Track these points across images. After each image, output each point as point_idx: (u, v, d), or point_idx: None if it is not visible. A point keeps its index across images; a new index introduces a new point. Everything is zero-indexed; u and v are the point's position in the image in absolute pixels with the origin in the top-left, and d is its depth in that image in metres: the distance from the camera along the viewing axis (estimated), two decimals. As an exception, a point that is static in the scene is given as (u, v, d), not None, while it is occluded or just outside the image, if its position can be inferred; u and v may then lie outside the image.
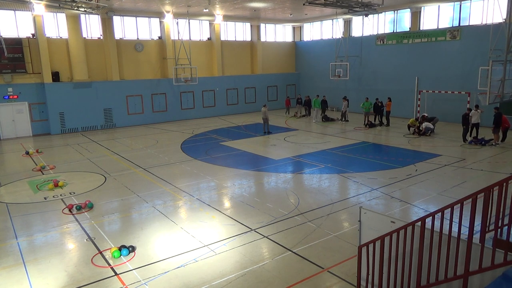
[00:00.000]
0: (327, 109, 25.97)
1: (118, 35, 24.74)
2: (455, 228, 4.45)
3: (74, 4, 17.71)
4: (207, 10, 24.73)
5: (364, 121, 22.50)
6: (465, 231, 4.49)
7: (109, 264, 7.37)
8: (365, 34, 27.85)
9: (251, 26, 30.70)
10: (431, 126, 19.31)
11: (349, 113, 25.79)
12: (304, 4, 19.84)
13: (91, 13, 20.86)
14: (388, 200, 10.58)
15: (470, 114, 17.34)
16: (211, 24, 28.43)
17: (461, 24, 22.54)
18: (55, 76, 22.56)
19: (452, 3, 22.70)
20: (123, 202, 10.96)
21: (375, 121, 22.78)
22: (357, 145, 17.81)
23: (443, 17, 23.52)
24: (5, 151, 18.74)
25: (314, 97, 25.51)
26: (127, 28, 25.31)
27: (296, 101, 27.87)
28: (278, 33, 32.85)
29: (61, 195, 11.66)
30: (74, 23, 22.48)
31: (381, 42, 26.34)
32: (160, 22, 26.09)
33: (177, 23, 26.25)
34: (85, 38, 23.40)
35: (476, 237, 4.28)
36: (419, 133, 19.24)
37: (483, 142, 16.76)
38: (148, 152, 17.26)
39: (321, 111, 25.05)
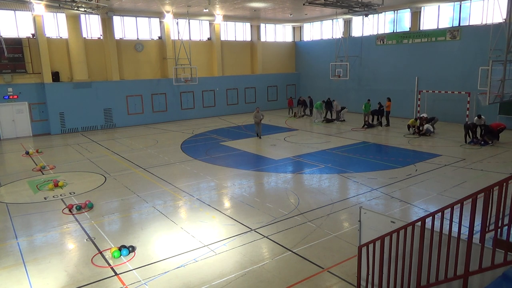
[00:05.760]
0: (332, 110, 25.76)
1: (118, 35, 24.74)
2: (455, 228, 4.45)
3: (74, 4, 17.71)
4: (207, 10, 24.72)
5: (364, 122, 22.48)
6: (465, 231, 4.49)
7: (109, 264, 7.37)
8: (365, 34, 27.84)
9: (251, 26, 30.70)
10: (431, 129, 19.33)
11: (349, 113, 25.89)
12: (304, 4, 19.82)
13: (91, 13, 20.86)
14: (388, 200, 10.58)
15: (475, 122, 17.32)
16: (211, 24, 28.43)
17: (461, 24, 22.53)
18: (55, 76, 22.56)
19: (452, 3, 22.69)
20: (123, 202, 10.96)
21: (373, 121, 22.75)
22: (357, 145, 17.81)
23: (443, 17, 23.52)
24: (5, 151, 18.74)
25: (317, 100, 25.57)
26: (127, 28, 25.31)
27: (298, 101, 27.83)
28: (278, 33, 32.85)
29: (61, 195, 11.66)
30: (74, 23, 22.48)
31: (381, 42, 26.34)
32: (160, 22, 26.09)
33: (177, 23, 26.25)
34: (85, 38, 23.40)
35: (476, 237, 4.28)
36: (419, 133, 19.24)
37: (482, 143, 16.78)
38: (148, 152, 17.26)
39: (325, 112, 24.96)
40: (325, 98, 25.89)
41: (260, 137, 19.72)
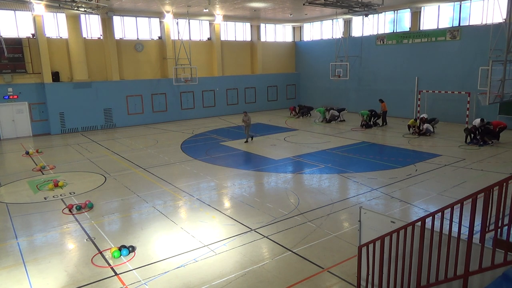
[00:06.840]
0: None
1: (118, 35, 24.74)
2: (455, 228, 4.45)
3: (74, 4, 17.70)
4: (207, 10, 24.72)
5: (361, 122, 22.49)
6: (465, 231, 4.49)
7: (109, 264, 7.37)
8: (365, 34, 27.84)
9: (251, 26, 30.69)
10: (431, 129, 19.33)
11: (348, 113, 25.94)
12: (304, 4, 19.81)
13: (91, 13, 20.85)
14: (388, 200, 10.58)
15: (476, 125, 17.20)
16: (211, 24, 28.42)
17: (461, 24, 22.53)
18: (55, 76, 22.56)
19: (452, 3, 22.69)
20: (123, 202, 10.96)
21: (370, 121, 22.76)
22: (357, 145, 17.81)
23: (443, 17, 23.52)
24: (5, 151, 18.73)
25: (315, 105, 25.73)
26: (127, 28, 25.30)
27: (299, 107, 27.83)
28: (278, 33, 32.84)
29: (61, 195, 11.66)
30: (74, 23, 22.47)
31: (381, 42, 26.34)
32: (160, 22, 26.09)
33: (177, 23, 26.24)
34: (85, 38, 23.39)
35: (476, 237, 4.28)
36: (419, 133, 19.24)
37: (481, 143, 16.78)
38: (148, 152, 17.26)
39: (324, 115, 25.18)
40: (326, 106, 26.01)
41: (252, 139, 19.13)
